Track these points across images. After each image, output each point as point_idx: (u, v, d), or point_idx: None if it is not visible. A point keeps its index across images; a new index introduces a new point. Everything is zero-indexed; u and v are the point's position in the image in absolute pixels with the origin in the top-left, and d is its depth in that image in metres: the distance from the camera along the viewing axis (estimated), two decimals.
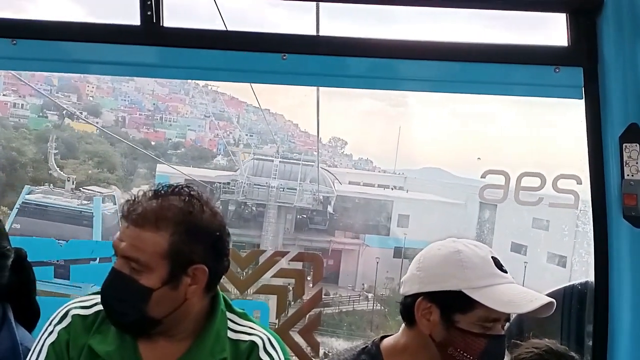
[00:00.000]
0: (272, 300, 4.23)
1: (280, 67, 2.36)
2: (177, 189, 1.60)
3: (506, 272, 1.66)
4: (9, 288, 1.86)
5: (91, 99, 36.66)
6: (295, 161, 34.87)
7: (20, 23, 2.52)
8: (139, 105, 38.07)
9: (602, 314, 2.09)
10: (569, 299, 2.30)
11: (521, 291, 1.63)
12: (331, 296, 29.96)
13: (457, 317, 1.62)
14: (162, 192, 1.59)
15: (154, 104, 38.24)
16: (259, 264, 4.15)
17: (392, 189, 38.48)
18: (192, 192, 1.60)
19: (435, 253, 1.70)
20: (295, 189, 33.18)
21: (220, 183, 32.50)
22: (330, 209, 35.85)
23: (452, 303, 1.62)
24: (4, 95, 34.03)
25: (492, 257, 1.67)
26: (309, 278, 4.36)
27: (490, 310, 1.59)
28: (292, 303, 4.37)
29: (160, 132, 35.37)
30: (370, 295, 31.28)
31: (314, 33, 2.47)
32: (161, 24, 2.40)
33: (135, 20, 2.42)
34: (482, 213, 27.40)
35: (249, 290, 4.13)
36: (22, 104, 34.83)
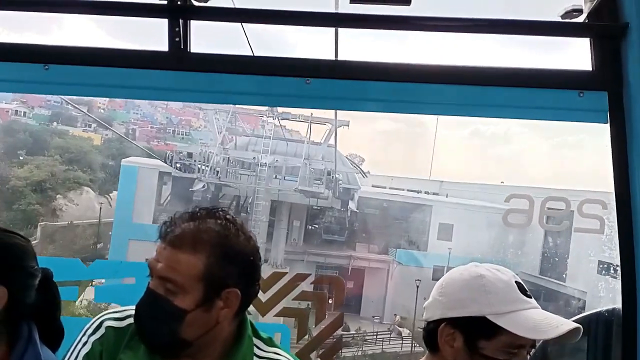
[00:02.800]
0: (292, 323, 4.22)
1: (304, 91, 2.39)
2: (213, 212, 1.62)
3: (530, 296, 1.63)
4: (35, 307, 1.88)
5: (102, 111, 36.91)
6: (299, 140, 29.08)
7: (52, 49, 2.60)
8: (150, 118, 38.38)
9: (630, 341, 2.05)
10: (595, 326, 2.26)
11: (546, 316, 1.60)
12: (351, 333, 23.74)
13: (482, 343, 1.59)
14: (199, 214, 1.61)
15: (167, 117, 38.48)
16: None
17: (427, 193, 31.50)
18: (227, 216, 1.62)
19: (458, 278, 1.68)
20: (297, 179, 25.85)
21: (175, 156, 28.74)
22: (350, 212, 28.74)
23: (476, 329, 1.59)
24: (16, 104, 34.23)
25: (515, 281, 1.64)
26: (330, 301, 4.36)
27: (515, 337, 1.57)
28: (314, 326, 4.35)
29: (171, 145, 34.74)
30: (405, 331, 24.88)
31: (340, 57, 2.50)
32: (188, 50, 2.46)
33: (163, 46, 2.49)
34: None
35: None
36: (25, 112, 34.84)
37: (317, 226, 31.60)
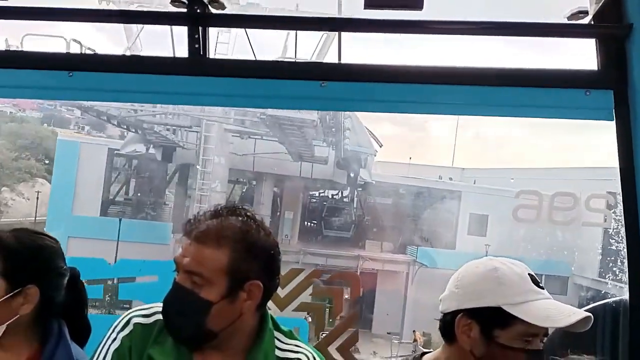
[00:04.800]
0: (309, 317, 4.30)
1: (319, 93, 2.47)
2: (234, 210, 1.73)
3: (542, 288, 1.71)
4: (64, 306, 1.99)
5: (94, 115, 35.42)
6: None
7: (76, 57, 2.71)
8: None
9: (636, 331, 2.11)
10: (603, 316, 2.33)
11: (558, 306, 1.68)
12: (361, 356, 17.61)
13: (497, 332, 1.68)
14: (221, 212, 1.72)
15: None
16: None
17: (450, 179, 25.26)
18: (247, 213, 1.73)
19: (473, 271, 1.77)
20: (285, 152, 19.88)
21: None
22: (357, 202, 23.66)
23: (492, 319, 1.68)
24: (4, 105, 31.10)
25: (528, 274, 1.72)
26: (346, 296, 4.45)
27: (529, 325, 1.65)
28: (330, 321, 4.45)
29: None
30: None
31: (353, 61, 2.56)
32: (207, 56, 2.56)
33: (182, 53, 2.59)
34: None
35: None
36: (11, 112, 32.02)
37: (315, 222, 25.41)
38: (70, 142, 23.40)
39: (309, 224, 25.70)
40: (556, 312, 1.66)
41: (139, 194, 27.21)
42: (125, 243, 21.02)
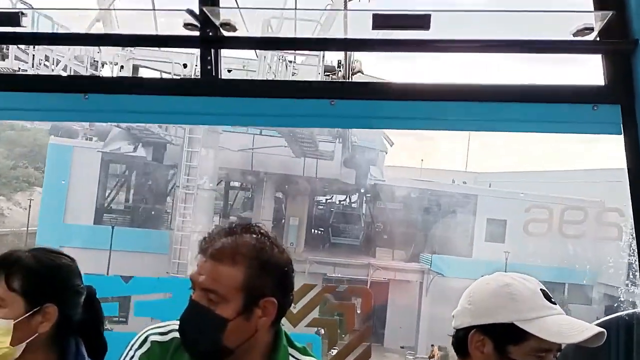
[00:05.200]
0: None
1: (329, 111, 2.51)
2: (248, 227, 1.76)
3: (555, 303, 1.72)
4: (80, 324, 2.02)
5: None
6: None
7: (91, 79, 2.78)
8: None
9: None
10: (616, 330, 2.32)
11: (571, 322, 1.69)
12: None
13: (510, 348, 1.68)
14: (236, 229, 1.75)
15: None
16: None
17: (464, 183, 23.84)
18: (262, 231, 1.77)
19: (485, 287, 1.78)
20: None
21: None
22: (367, 207, 22.21)
23: (505, 335, 1.69)
24: None
25: (540, 289, 1.73)
26: (358, 311, 4.46)
27: (542, 341, 1.66)
28: (343, 336, 4.45)
29: None
30: None
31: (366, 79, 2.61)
32: (219, 76, 2.61)
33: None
34: None
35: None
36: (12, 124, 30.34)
37: (322, 230, 23.81)
38: (62, 147, 21.49)
39: (315, 231, 23.93)
40: (569, 328, 1.66)
41: (137, 201, 25.96)
42: (120, 253, 19.98)
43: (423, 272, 21.39)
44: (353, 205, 24.54)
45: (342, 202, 24.46)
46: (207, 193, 19.06)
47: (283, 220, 22.89)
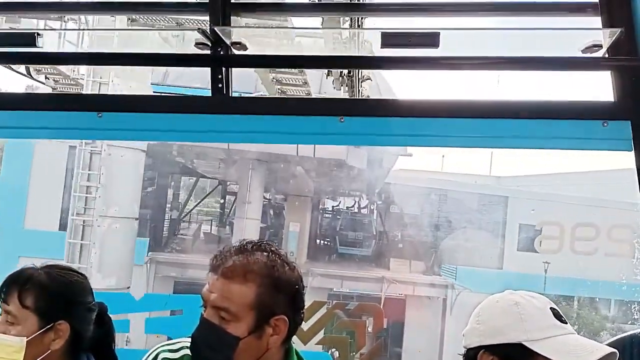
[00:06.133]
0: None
1: (337, 129, 2.53)
2: (259, 245, 1.78)
3: (565, 322, 1.69)
4: (92, 340, 2.04)
5: None
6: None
7: (105, 98, 2.82)
8: None
9: None
10: (630, 348, 2.29)
11: (581, 342, 1.66)
12: None
13: None
14: (247, 247, 1.76)
15: None
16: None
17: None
18: (272, 248, 1.78)
19: (494, 306, 1.77)
20: None
21: None
22: (378, 213, 19.26)
23: (514, 355, 1.66)
24: None
25: (550, 308, 1.71)
26: (369, 329, 4.44)
27: None
28: (353, 354, 4.43)
29: None
30: None
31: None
32: (230, 94, 2.65)
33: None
34: None
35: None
36: None
37: (328, 239, 20.97)
38: (21, 141, 17.57)
39: (320, 240, 21.13)
40: (579, 349, 1.63)
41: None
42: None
43: (446, 287, 18.20)
44: (363, 210, 21.62)
45: (350, 209, 21.85)
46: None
47: (282, 224, 20.18)
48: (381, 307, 15.50)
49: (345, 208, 21.78)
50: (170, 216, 25.10)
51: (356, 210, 21.49)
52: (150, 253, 20.34)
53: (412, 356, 17.18)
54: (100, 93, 2.52)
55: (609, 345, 1.71)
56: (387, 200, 20.30)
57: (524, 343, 1.65)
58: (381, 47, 2.16)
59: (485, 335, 1.73)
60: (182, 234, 24.67)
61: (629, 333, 2.34)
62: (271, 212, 21.84)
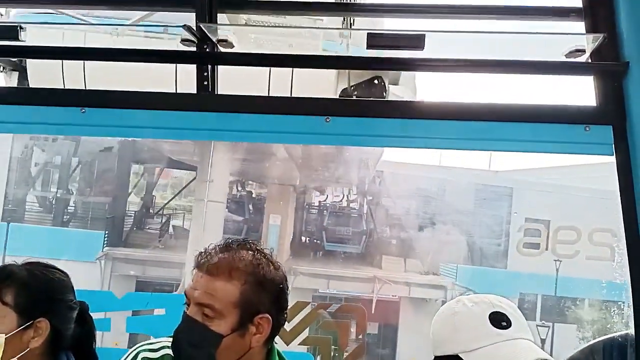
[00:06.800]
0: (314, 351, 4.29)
1: (323, 129, 2.53)
2: (244, 244, 1.77)
3: (507, 327, 1.64)
4: (73, 339, 2.02)
5: None
6: None
7: (89, 93, 2.78)
8: None
9: None
10: (610, 351, 2.32)
11: (517, 349, 1.61)
12: None
13: None
14: (232, 245, 1.76)
15: None
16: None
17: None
18: (257, 247, 1.78)
19: (439, 317, 1.75)
20: None
21: None
22: (367, 208, 17.73)
23: None
24: None
25: (492, 313, 1.66)
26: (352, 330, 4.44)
27: None
28: (336, 355, 4.43)
29: None
30: None
31: None
32: (216, 92, 2.64)
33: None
34: None
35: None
36: None
37: (314, 235, 19.02)
38: None
39: (305, 237, 19.47)
40: (509, 357, 1.58)
41: (64, 191, 21.57)
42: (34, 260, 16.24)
43: (446, 288, 16.43)
44: (352, 204, 19.89)
45: (337, 203, 20.08)
46: None
47: (262, 217, 17.88)
48: (372, 309, 15.44)
49: (333, 200, 20.11)
50: (138, 207, 22.42)
51: (344, 204, 19.88)
52: (106, 248, 18.50)
53: None
54: (83, 88, 2.50)
55: (592, 346, 1.71)
56: (379, 195, 18.57)
57: (460, 355, 1.63)
58: (367, 48, 2.17)
59: (433, 346, 1.72)
60: (148, 228, 21.74)
61: (610, 335, 2.36)
62: (250, 205, 19.76)
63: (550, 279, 15.25)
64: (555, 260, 14.35)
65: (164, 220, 22.14)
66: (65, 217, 21.21)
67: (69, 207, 21.71)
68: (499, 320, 1.66)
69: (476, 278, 16.54)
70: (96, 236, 18.87)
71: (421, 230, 17.59)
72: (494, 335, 1.63)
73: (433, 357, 1.73)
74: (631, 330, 2.23)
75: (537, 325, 15.25)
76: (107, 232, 19.37)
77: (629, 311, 2.18)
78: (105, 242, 18.95)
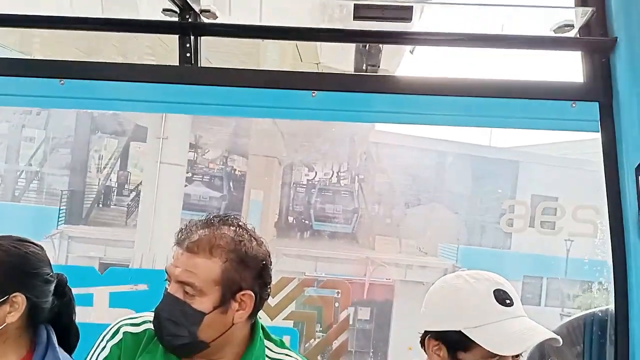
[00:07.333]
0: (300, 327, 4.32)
1: (309, 104, 2.49)
2: (226, 219, 1.74)
3: (510, 305, 1.66)
4: (51, 312, 1.99)
5: None
6: None
7: (67, 64, 2.71)
8: None
9: (622, 339, 2.14)
10: (591, 326, 2.35)
11: (519, 329, 1.63)
12: None
13: (462, 355, 1.66)
14: (213, 222, 1.73)
15: None
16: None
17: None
18: (240, 223, 1.75)
19: (438, 291, 1.75)
20: None
21: None
22: (358, 186, 16.73)
23: (455, 342, 1.66)
24: None
25: (495, 290, 1.67)
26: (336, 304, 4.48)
27: None
28: (321, 329, 4.46)
29: None
30: None
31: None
32: (199, 64, 2.58)
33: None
34: None
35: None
36: None
37: (301, 213, 17.68)
38: None
39: (291, 217, 18.02)
40: (514, 337, 1.60)
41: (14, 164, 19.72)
42: None
43: (446, 270, 14.35)
44: (343, 180, 18.60)
45: (327, 178, 18.68)
46: None
47: (240, 191, 16.59)
48: (364, 293, 14.45)
49: (324, 176, 18.73)
50: (102, 182, 19.98)
51: (335, 180, 18.55)
52: (62, 226, 16.69)
53: (400, 354, 14.25)
54: (62, 59, 2.43)
55: (571, 322, 1.72)
56: (372, 170, 17.05)
57: (463, 331, 1.64)
58: (354, 20, 2.12)
59: (429, 321, 1.73)
60: (114, 204, 19.78)
61: (591, 310, 2.39)
62: (230, 182, 18.17)
63: (560, 260, 14.04)
64: (565, 240, 13.07)
65: (132, 196, 19.85)
66: (16, 192, 19.72)
67: (19, 181, 20.11)
68: (503, 297, 1.66)
69: (479, 259, 15.02)
70: (50, 212, 17.04)
71: (418, 208, 16.11)
72: (499, 313, 1.64)
73: (424, 332, 1.74)
74: (611, 306, 2.25)
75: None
76: (64, 208, 17.50)
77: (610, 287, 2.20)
78: (63, 219, 17.12)
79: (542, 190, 14.68)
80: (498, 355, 1.62)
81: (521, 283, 14.32)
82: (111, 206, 19.82)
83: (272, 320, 3.98)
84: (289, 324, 4.26)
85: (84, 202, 18.93)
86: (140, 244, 13.19)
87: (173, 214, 12.79)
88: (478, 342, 1.61)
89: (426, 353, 1.77)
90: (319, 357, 4.26)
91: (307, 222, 17.32)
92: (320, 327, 4.46)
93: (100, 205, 19.62)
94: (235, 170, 19.31)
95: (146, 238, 12.68)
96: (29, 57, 2.73)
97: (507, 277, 1.75)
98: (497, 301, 1.65)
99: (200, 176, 17.96)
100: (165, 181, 12.37)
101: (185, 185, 15.95)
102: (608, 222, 2.18)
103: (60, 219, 17.09)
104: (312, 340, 4.32)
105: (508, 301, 1.66)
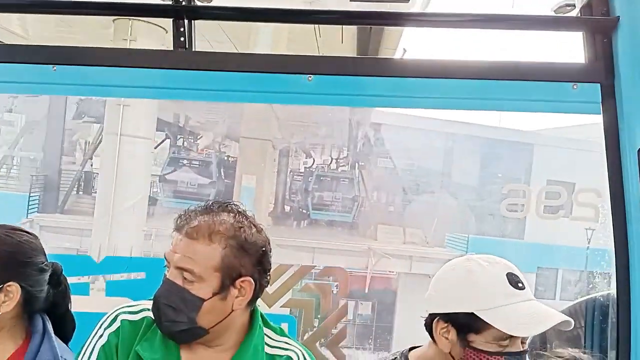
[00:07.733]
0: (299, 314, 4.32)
1: (305, 88, 2.46)
2: (226, 206, 1.74)
3: (523, 288, 1.68)
4: (47, 301, 1.98)
5: None
6: None
7: (60, 50, 2.67)
8: None
9: (624, 324, 2.12)
10: (592, 311, 2.34)
11: (533, 311, 1.65)
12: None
13: (472, 337, 1.67)
14: (213, 208, 1.72)
15: None
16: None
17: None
18: (239, 210, 1.74)
19: (449, 274, 1.77)
20: None
21: None
22: (358, 171, 15.54)
23: (466, 324, 1.67)
24: None
25: (508, 273, 1.70)
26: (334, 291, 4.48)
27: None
28: (319, 316, 4.47)
29: None
30: None
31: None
32: (193, 49, 2.54)
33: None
34: None
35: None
36: None
37: (298, 201, 16.72)
38: None
39: (288, 206, 17.26)
40: (527, 319, 1.63)
41: None
42: None
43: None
44: (342, 166, 17.68)
45: (326, 164, 17.58)
46: None
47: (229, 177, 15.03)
48: (366, 287, 13.57)
49: (322, 162, 17.78)
50: (80, 167, 18.12)
51: (334, 166, 17.58)
52: (33, 214, 15.41)
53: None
54: (55, 45, 2.38)
55: (573, 307, 1.73)
56: (373, 154, 15.88)
57: (476, 312, 1.65)
58: (350, 0, 2.08)
59: (439, 304, 1.74)
60: (95, 192, 17.54)
61: (593, 295, 2.38)
62: (221, 168, 17.24)
63: (580, 251, 12.96)
64: (587, 229, 12.13)
65: None
66: None
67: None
68: (515, 281, 1.68)
69: (490, 250, 12.95)
70: (19, 199, 15.86)
71: (423, 195, 15.04)
72: (512, 295, 1.66)
73: (430, 315, 1.74)
74: (613, 290, 2.24)
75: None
76: (36, 195, 16.28)
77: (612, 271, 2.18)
78: (35, 207, 16.00)
79: (557, 175, 13.72)
80: (509, 337, 1.63)
81: (534, 275, 12.92)
82: (93, 194, 18.32)
83: (269, 307, 3.97)
84: (287, 311, 4.26)
85: (59, 189, 17.69)
86: (99, 232, 11.61)
87: (138, 197, 11.44)
88: (491, 324, 1.62)
89: (431, 337, 1.77)
90: (317, 344, 4.26)
91: (304, 211, 16.72)
92: (319, 314, 4.46)
93: (81, 193, 18.40)
94: (228, 156, 18.54)
95: (105, 226, 11.33)
96: (21, 43, 2.68)
97: (527, 270, 1.75)
98: (510, 284, 1.67)
99: (188, 161, 17.00)
100: (127, 158, 10.81)
101: (173, 171, 15.58)
102: (610, 205, 2.16)
103: (31, 207, 15.92)
104: (311, 328, 4.33)
105: (520, 284, 1.68)
